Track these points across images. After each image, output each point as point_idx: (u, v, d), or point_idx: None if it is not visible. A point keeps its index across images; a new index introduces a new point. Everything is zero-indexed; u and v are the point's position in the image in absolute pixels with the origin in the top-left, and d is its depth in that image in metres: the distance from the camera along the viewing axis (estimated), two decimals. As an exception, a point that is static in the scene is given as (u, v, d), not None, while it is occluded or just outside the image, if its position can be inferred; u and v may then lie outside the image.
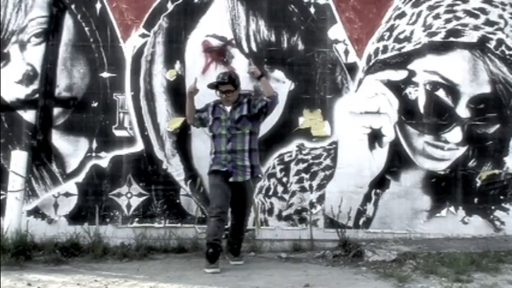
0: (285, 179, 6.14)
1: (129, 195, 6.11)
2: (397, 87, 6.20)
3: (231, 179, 5.31)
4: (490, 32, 6.22)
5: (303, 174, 6.14)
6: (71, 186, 6.10)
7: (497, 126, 6.20)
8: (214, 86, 5.51)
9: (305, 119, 6.17)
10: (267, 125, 6.10)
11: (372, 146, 6.16)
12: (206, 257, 5.15)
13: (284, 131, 6.15)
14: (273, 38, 6.20)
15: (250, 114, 5.46)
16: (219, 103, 5.53)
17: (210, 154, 5.51)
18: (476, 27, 6.22)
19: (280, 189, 6.13)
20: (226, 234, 5.54)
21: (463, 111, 6.19)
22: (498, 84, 6.21)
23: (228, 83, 5.45)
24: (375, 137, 6.16)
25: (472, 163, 6.18)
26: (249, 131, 5.43)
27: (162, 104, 6.15)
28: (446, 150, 6.18)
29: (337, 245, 5.85)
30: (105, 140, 6.13)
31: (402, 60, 6.20)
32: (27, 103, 6.15)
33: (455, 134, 6.17)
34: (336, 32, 6.21)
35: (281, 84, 6.16)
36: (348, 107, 6.17)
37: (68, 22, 6.19)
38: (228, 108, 5.47)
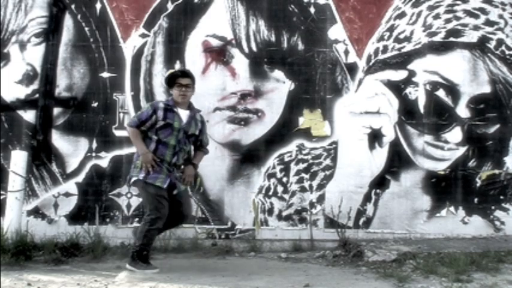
0: (285, 179, 6.14)
1: (129, 195, 6.11)
2: (397, 87, 6.20)
3: (175, 191, 5.05)
4: (490, 32, 6.22)
5: (303, 174, 6.14)
6: (71, 186, 6.11)
7: (497, 126, 6.20)
8: (171, 78, 5.14)
9: (305, 119, 6.17)
10: (266, 125, 6.11)
11: (372, 146, 6.16)
12: (139, 258, 4.99)
13: (284, 131, 6.15)
14: (273, 38, 6.21)
15: (198, 135, 5.20)
16: (173, 106, 5.09)
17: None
18: (476, 27, 6.22)
19: (280, 189, 6.13)
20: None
21: (463, 111, 6.19)
22: (498, 84, 6.21)
23: (188, 76, 5.17)
24: (374, 137, 6.16)
25: (472, 163, 6.18)
26: (188, 150, 5.20)
27: (162, 104, 6.15)
28: (446, 150, 6.18)
29: (337, 245, 5.84)
30: (105, 140, 6.13)
31: (402, 60, 6.21)
32: (27, 103, 6.15)
33: (455, 134, 6.17)
34: (336, 32, 6.21)
35: (281, 84, 6.17)
36: (348, 107, 6.17)
37: (68, 22, 6.20)
38: (184, 116, 5.09)
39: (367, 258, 5.45)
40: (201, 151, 5.33)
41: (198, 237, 5.98)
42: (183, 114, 5.12)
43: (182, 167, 5.18)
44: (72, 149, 6.13)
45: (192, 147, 5.27)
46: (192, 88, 5.19)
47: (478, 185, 6.18)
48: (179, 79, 5.12)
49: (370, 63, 6.21)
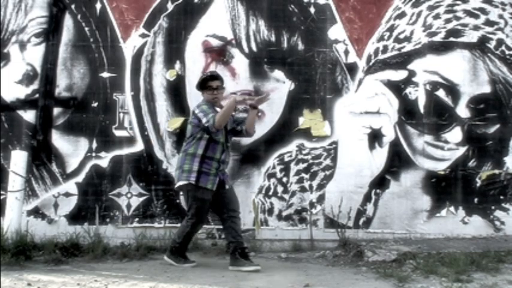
0: (285, 179, 6.14)
1: (129, 195, 6.12)
2: (397, 87, 6.20)
3: (227, 186, 5.31)
4: (490, 32, 6.22)
5: (303, 174, 6.14)
6: (71, 186, 6.11)
7: (497, 126, 6.20)
8: (202, 83, 5.34)
9: (305, 119, 6.17)
10: (267, 125, 6.11)
11: (372, 146, 6.16)
12: (178, 253, 5.36)
13: (284, 131, 6.15)
14: (273, 38, 6.21)
15: (233, 128, 5.43)
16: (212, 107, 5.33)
17: (194, 156, 5.19)
18: (476, 27, 6.23)
19: (280, 189, 6.13)
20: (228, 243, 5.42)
21: (463, 111, 6.19)
22: (498, 84, 6.22)
23: (217, 78, 5.39)
24: (374, 137, 6.16)
25: (472, 163, 6.18)
26: (230, 144, 5.50)
27: (162, 104, 6.15)
28: (446, 150, 6.18)
29: (337, 245, 5.85)
30: (105, 140, 6.13)
31: (402, 60, 6.21)
32: (27, 103, 6.15)
33: (455, 134, 6.17)
34: (336, 32, 6.21)
35: (281, 84, 6.17)
36: (348, 107, 6.17)
37: (68, 22, 6.20)
38: None
39: (367, 258, 5.45)
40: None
41: (198, 237, 5.97)
42: None
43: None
44: (72, 149, 6.14)
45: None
46: (222, 89, 5.45)
47: (478, 185, 6.18)
48: (209, 82, 5.33)
49: (370, 63, 6.21)
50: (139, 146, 6.14)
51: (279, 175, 6.14)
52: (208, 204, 5.25)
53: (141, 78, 6.19)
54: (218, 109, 5.30)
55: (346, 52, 6.20)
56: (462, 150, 6.18)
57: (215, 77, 5.40)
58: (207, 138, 5.21)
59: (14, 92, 6.14)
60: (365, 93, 6.18)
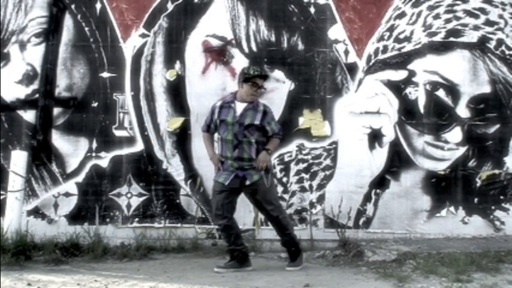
0: (285, 179, 6.14)
1: (129, 195, 6.12)
2: (397, 87, 6.20)
3: (247, 182, 5.09)
4: (490, 32, 6.22)
5: (303, 174, 6.14)
6: (71, 186, 6.11)
7: (497, 126, 6.19)
8: (249, 77, 5.15)
9: (305, 119, 6.17)
10: (267, 125, 6.10)
11: (372, 146, 6.16)
12: (233, 258, 5.20)
13: (284, 131, 6.12)
14: (273, 38, 6.21)
15: (261, 125, 5.16)
16: (230, 102, 5.18)
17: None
18: (476, 27, 6.22)
19: (280, 189, 6.12)
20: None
21: (463, 111, 6.19)
22: (498, 84, 6.21)
23: (265, 79, 5.33)
24: (374, 137, 6.16)
25: (472, 163, 6.18)
26: (255, 140, 5.14)
27: (162, 104, 6.15)
28: (446, 150, 6.18)
29: (337, 245, 5.84)
30: (105, 140, 6.13)
31: (402, 60, 6.20)
32: (27, 103, 6.16)
33: (455, 134, 6.17)
34: (336, 32, 6.21)
35: (281, 84, 6.17)
36: (348, 107, 6.17)
37: (68, 22, 6.20)
38: (239, 109, 5.13)
39: (367, 258, 5.45)
40: (273, 137, 5.28)
41: (198, 237, 5.99)
42: (239, 107, 5.17)
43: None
44: (72, 149, 6.14)
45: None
46: (262, 89, 5.33)
47: (478, 185, 6.17)
48: (257, 79, 5.19)
49: (370, 63, 6.20)
50: (139, 146, 6.15)
51: (279, 175, 6.14)
52: (222, 199, 5.07)
53: (141, 78, 6.19)
54: (239, 104, 5.13)
55: (346, 52, 6.20)
56: (462, 150, 6.18)
57: (265, 77, 5.35)
58: (219, 138, 5.34)
59: (14, 92, 6.15)
60: (365, 93, 6.18)
